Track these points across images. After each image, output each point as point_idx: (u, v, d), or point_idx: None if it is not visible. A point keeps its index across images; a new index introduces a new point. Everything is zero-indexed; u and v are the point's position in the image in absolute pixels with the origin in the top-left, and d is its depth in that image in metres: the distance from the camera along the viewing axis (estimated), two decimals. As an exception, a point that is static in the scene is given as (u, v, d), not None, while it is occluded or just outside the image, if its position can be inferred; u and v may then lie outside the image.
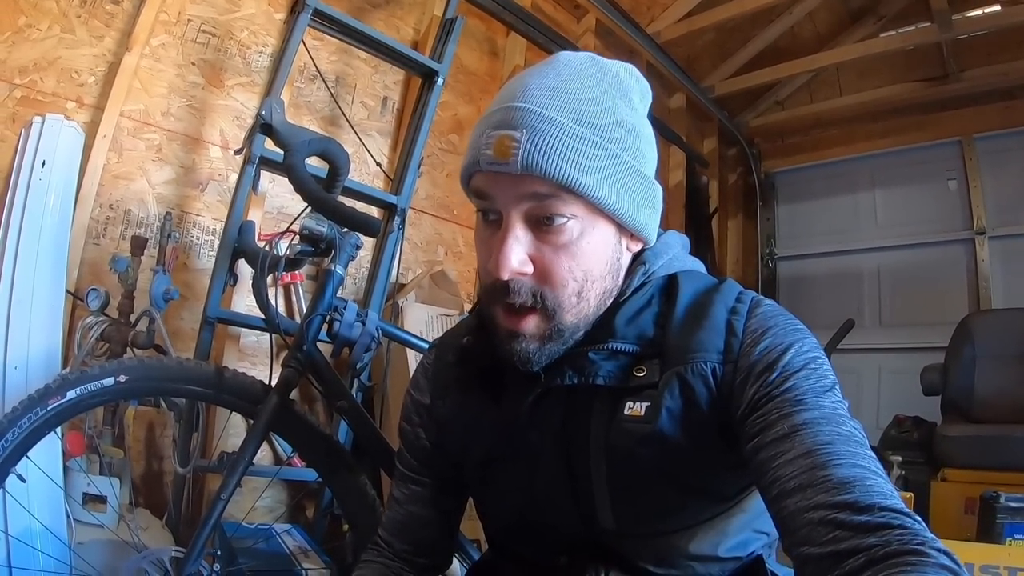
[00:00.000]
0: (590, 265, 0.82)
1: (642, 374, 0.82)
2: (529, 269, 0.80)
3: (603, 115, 0.80)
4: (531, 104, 0.78)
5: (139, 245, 1.94)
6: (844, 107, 4.77)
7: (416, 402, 1.07)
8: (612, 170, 0.80)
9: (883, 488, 0.65)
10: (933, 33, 3.96)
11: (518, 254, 0.79)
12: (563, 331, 0.82)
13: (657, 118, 4.18)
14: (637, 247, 0.90)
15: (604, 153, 0.79)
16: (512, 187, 0.78)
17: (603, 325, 0.85)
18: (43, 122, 1.96)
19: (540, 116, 0.77)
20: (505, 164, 0.77)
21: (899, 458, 2.95)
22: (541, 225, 0.79)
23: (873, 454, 0.70)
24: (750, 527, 0.89)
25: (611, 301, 0.86)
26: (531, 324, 0.82)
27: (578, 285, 0.81)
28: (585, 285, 0.82)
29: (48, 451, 1.59)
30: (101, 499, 1.75)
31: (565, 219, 0.79)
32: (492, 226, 0.83)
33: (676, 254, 0.94)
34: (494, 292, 0.82)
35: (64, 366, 1.81)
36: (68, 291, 1.93)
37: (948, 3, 3.81)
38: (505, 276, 0.79)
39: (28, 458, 1.32)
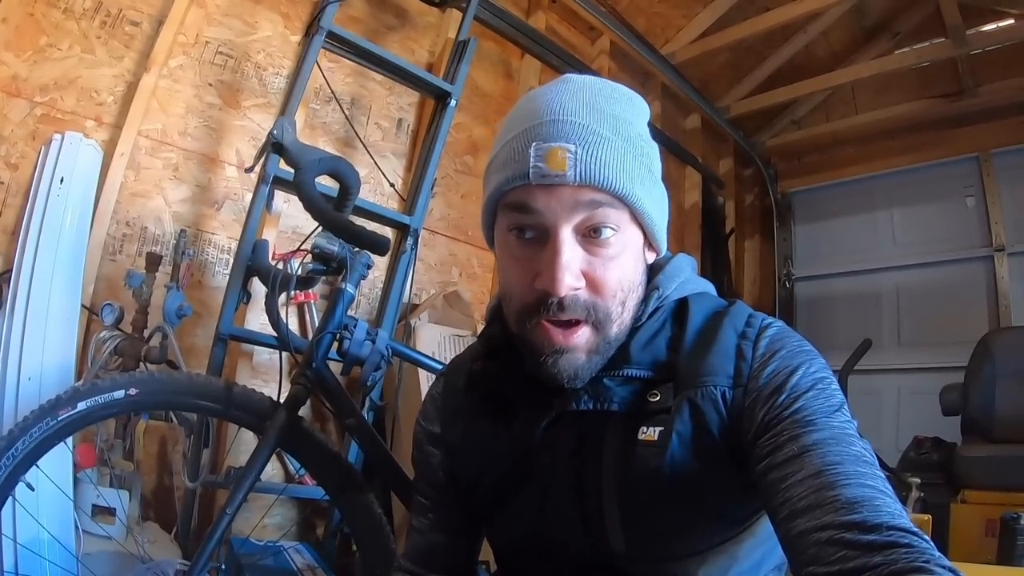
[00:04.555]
0: (631, 276, 0.83)
1: (656, 399, 0.83)
2: (582, 283, 0.80)
3: (631, 130, 0.82)
4: (575, 117, 0.79)
5: (153, 262, 1.97)
6: (860, 125, 4.75)
7: (427, 431, 1.07)
8: (647, 181, 0.82)
9: (891, 508, 0.64)
10: (948, 48, 3.94)
11: (573, 268, 0.78)
12: (609, 343, 0.83)
13: (672, 139, 4.20)
14: (652, 257, 0.91)
15: (640, 165, 0.82)
16: (567, 198, 0.78)
17: (620, 350, 0.85)
18: (62, 140, 2.01)
19: (588, 129, 0.78)
20: (561, 175, 0.77)
21: (918, 480, 2.89)
22: (589, 237, 0.80)
23: (882, 474, 0.70)
24: (760, 551, 0.88)
25: (633, 314, 0.87)
26: (582, 338, 0.81)
27: (624, 295, 0.82)
28: (628, 296, 0.83)
29: (59, 462, 1.61)
30: (110, 511, 1.77)
31: (612, 231, 0.80)
32: (531, 243, 0.82)
33: (688, 277, 0.94)
34: (541, 309, 0.80)
35: (78, 379, 1.84)
36: (84, 305, 1.96)
37: (962, 18, 3.80)
38: (562, 292, 0.78)
39: (38, 467, 1.34)
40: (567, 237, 0.78)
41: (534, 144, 0.78)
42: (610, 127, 0.80)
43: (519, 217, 0.82)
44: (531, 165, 0.78)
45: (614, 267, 0.81)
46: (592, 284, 0.80)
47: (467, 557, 1.09)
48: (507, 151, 0.82)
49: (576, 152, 0.77)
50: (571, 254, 0.78)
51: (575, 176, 0.76)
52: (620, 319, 0.83)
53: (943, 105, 4.36)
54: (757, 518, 0.86)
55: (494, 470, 0.95)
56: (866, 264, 4.80)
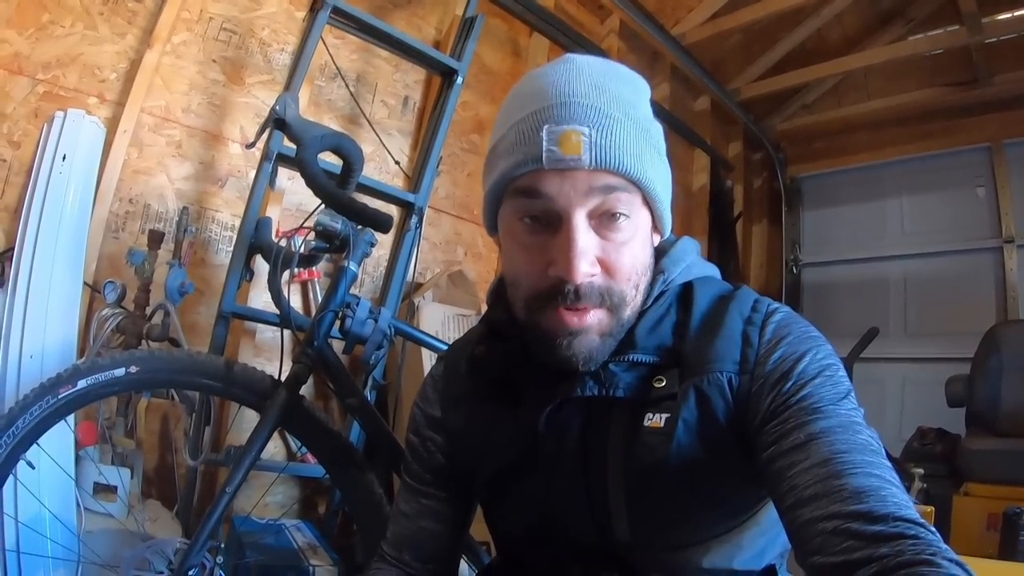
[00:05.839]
0: (644, 259, 0.83)
1: (661, 385, 0.81)
2: (598, 269, 0.78)
3: (638, 112, 0.81)
4: (587, 99, 0.77)
5: (155, 239, 1.96)
6: (872, 111, 4.71)
7: (425, 414, 1.05)
8: (657, 164, 0.81)
9: (898, 498, 0.64)
10: (962, 36, 3.90)
11: (588, 255, 0.77)
12: (623, 326, 0.82)
13: (682, 121, 4.17)
14: (657, 239, 0.90)
15: (651, 148, 0.81)
16: (581, 182, 0.76)
17: (625, 335, 0.84)
18: (65, 117, 1.99)
19: (601, 112, 0.76)
20: (575, 159, 0.75)
21: (921, 471, 2.88)
22: (603, 222, 0.78)
23: (889, 463, 0.69)
24: (764, 539, 0.87)
25: (643, 297, 0.85)
26: (594, 318, 0.79)
27: (637, 279, 0.81)
28: (641, 279, 0.82)
29: (60, 440, 1.61)
30: (111, 489, 1.77)
31: (625, 216, 0.78)
32: (542, 230, 0.80)
33: (693, 260, 0.93)
34: (555, 296, 0.78)
35: (80, 356, 1.83)
36: (86, 283, 1.95)
37: (978, 6, 3.74)
38: (579, 280, 0.76)
39: (39, 445, 1.34)
40: (581, 223, 0.77)
41: (546, 127, 0.76)
42: (620, 109, 0.78)
43: (529, 203, 0.79)
44: (544, 149, 0.75)
45: (627, 251, 0.79)
46: (607, 269, 0.79)
47: (453, 548, 1.07)
48: (515, 134, 0.79)
49: (591, 135, 0.75)
50: (586, 240, 0.77)
51: (590, 160, 0.74)
52: (633, 302, 0.82)
53: (956, 93, 4.32)
54: (761, 506, 0.86)
55: (497, 456, 0.93)
56: (874, 252, 4.79)
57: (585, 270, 0.76)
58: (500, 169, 0.81)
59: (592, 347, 0.80)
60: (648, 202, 0.82)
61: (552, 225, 0.78)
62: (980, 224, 4.33)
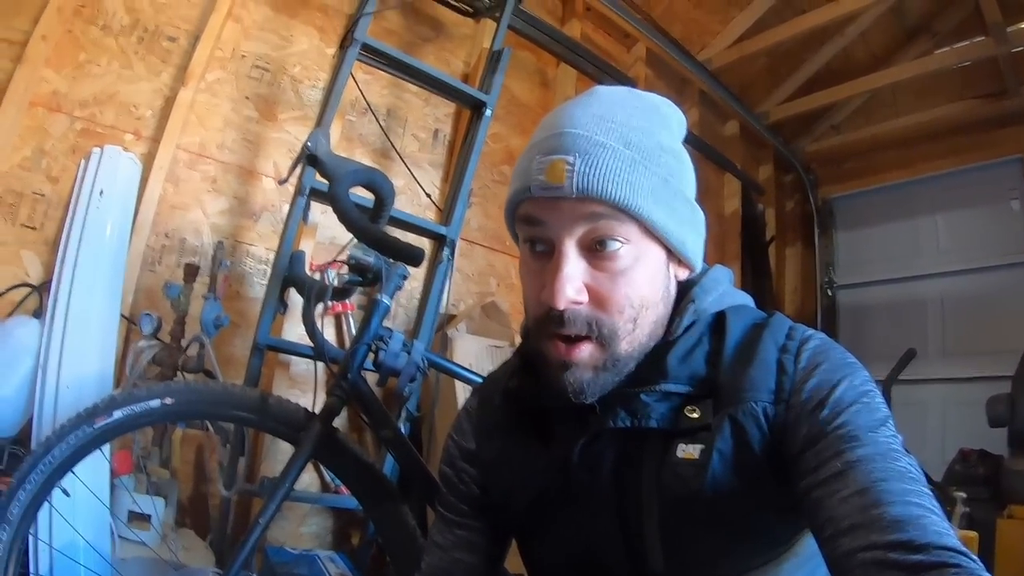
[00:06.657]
0: (645, 292, 0.81)
1: (695, 415, 0.81)
2: (585, 298, 0.78)
3: (648, 141, 0.80)
4: (580, 129, 0.78)
5: (191, 272, 2.00)
6: (901, 128, 4.63)
7: (460, 447, 1.06)
8: (662, 193, 0.80)
9: (939, 526, 0.62)
10: (989, 47, 3.83)
11: (574, 282, 0.77)
12: (618, 361, 0.81)
13: (711, 146, 4.16)
14: (684, 274, 0.89)
15: (654, 176, 0.79)
16: (566, 211, 0.77)
17: (655, 365, 0.83)
18: (102, 153, 2.05)
19: (591, 140, 0.77)
20: (559, 188, 0.76)
21: (963, 495, 2.82)
22: (595, 251, 0.79)
23: (928, 490, 0.68)
24: (802, 572, 0.85)
25: (662, 331, 0.85)
26: (584, 353, 0.80)
27: (634, 312, 0.80)
28: (641, 313, 0.81)
29: (96, 469, 1.63)
30: (145, 518, 1.79)
31: (619, 244, 0.78)
32: (542, 257, 0.82)
33: (725, 290, 0.92)
34: (546, 323, 0.80)
35: (116, 387, 1.86)
36: (123, 315, 1.99)
37: (1003, 15, 3.69)
38: (561, 306, 0.77)
39: (74, 474, 1.36)
40: (569, 251, 0.78)
41: (537, 156, 0.79)
42: (618, 137, 0.78)
43: (529, 230, 0.82)
44: (532, 178, 0.78)
45: (622, 282, 0.79)
46: (597, 299, 0.79)
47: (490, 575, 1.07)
48: (519, 163, 0.82)
49: (575, 164, 0.76)
50: (573, 268, 0.78)
51: (572, 188, 0.76)
52: (630, 336, 0.81)
53: (985, 105, 4.24)
54: (799, 538, 0.84)
55: (531, 488, 0.93)
56: (910, 271, 4.69)
57: (570, 297, 0.77)
58: (507, 196, 0.84)
59: (584, 381, 0.80)
60: (653, 233, 0.81)
61: (550, 252, 0.80)
62: (1016, 238, 4.22)
